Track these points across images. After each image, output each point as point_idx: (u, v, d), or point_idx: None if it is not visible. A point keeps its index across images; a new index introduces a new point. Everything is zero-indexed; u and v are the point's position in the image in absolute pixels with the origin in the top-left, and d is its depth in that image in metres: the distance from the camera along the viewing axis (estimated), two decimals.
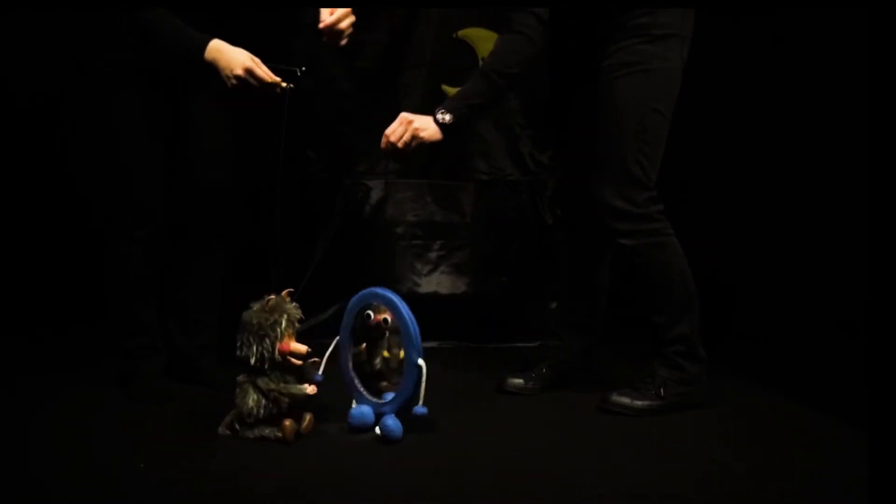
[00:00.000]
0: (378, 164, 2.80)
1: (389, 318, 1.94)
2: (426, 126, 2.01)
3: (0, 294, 2.87)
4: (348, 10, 2.01)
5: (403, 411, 1.85)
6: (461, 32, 2.74)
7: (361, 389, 1.94)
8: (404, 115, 2.02)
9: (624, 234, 2.04)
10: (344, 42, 2.04)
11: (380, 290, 1.92)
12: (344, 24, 2.01)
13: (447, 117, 2.00)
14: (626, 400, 2.04)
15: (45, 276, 2.96)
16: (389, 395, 1.93)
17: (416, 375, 1.83)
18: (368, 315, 1.95)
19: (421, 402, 1.82)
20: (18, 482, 1.58)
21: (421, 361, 1.83)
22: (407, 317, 1.86)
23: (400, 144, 2.00)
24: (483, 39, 2.74)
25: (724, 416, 2.05)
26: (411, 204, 2.81)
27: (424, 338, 2.74)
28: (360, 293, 1.96)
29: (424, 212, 2.82)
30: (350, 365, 1.97)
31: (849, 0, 2.42)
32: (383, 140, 2.02)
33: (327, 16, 2.00)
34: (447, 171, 2.83)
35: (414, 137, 2.00)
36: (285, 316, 1.80)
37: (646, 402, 2.04)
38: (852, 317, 2.47)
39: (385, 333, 1.97)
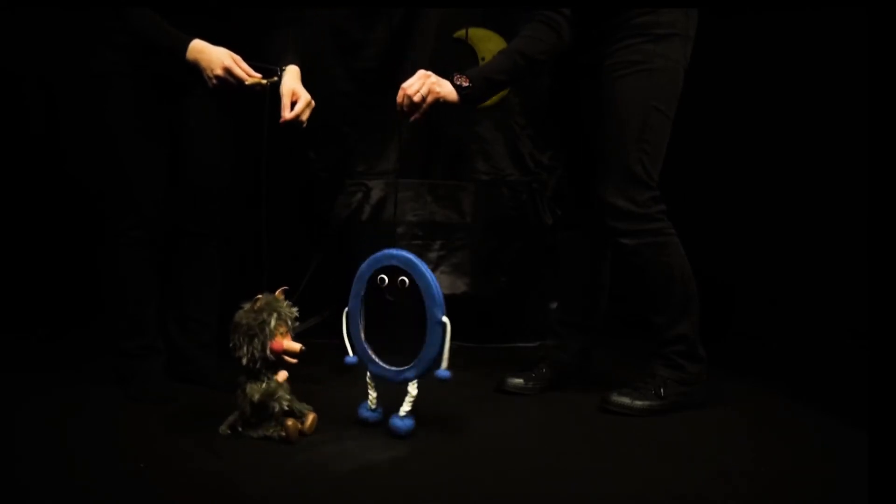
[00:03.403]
0: (378, 163, 2.81)
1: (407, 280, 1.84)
2: (444, 84, 1.97)
3: (0, 294, 2.87)
4: (308, 100, 2.02)
5: (427, 373, 1.80)
6: (461, 32, 2.74)
7: (376, 359, 1.90)
8: (423, 71, 1.99)
9: (625, 233, 2.03)
10: (305, 125, 2.06)
11: (395, 251, 1.86)
12: (304, 117, 2.03)
13: (464, 82, 1.97)
14: (626, 400, 2.04)
15: (45, 276, 2.96)
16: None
17: (441, 334, 1.75)
18: (383, 279, 1.88)
19: (445, 364, 1.75)
20: (18, 482, 1.58)
21: (445, 319, 1.74)
22: (427, 275, 1.80)
23: (416, 98, 1.94)
24: (483, 39, 2.73)
25: (723, 417, 2.06)
26: (411, 204, 2.81)
27: None
28: (373, 256, 1.90)
29: (424, 212, 2.81)
30: (363, 335, 1.92)
31: (849, 0, 2.43)
32: (400, 93, 1.96)
33: (287, 111, 1.99)
34: (447, 171, 2.83)
35: (430, 92, 1.95)
36: (275, 315, 1.80)
37: (646, 403, 2.04)
38: (852, 317, 2.48)
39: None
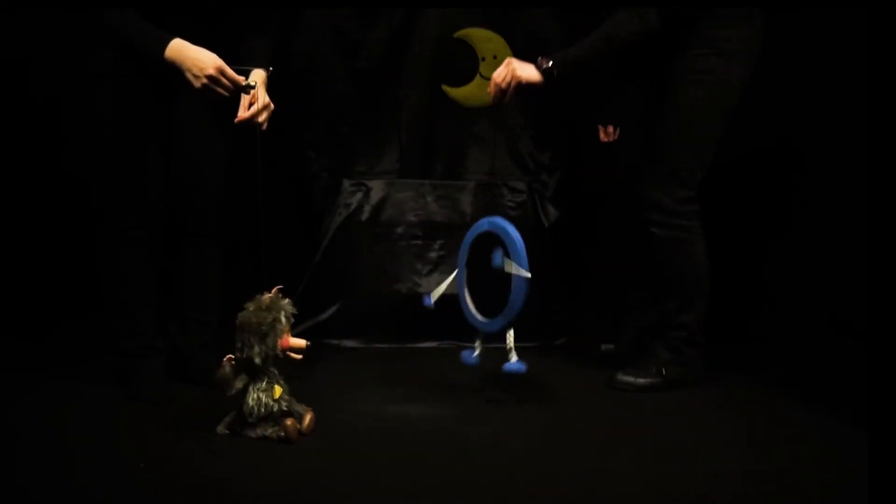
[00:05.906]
0: (378, 163, 2.81)
1: None
2: (525, 68, 2.12)
3: (0, 294, 2.87)
4: (265, 103, 2.02)
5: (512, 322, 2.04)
6: (461, 32, 2.74)
7: (474, 311, 2.15)
8: (509, 59, 2.15)
9: (656, 223, 2.19)
10: (264, 127, 2.04)
11: (495, 219, 2.10)
12: (261, 118, 2.02)
13: (546, 63, 2.11)
14: (629, 378, 2.22)
15: (45, 276, 2.96)
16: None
17: (524, 287, 1.97)
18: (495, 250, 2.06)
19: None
20: (17, 482, 1.58)
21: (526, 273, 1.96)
22: (514, 236, 2.01)
23: (503, 85, 2.12)
24: (483, 39, 2.73)
25: (723, 417, 2.06)
26: (411, 204, 2.81)
27: (425, 338, 2.77)
28: (473, 230, 2.16)
29: (424, 212, 2.81)
30: (466, 290, 2.18)
31: (849, 0, 2.43)
32: (491, 84, 2.14)
33: (244, 110, 2.01)
34: (447, 171, 2.83)
35: (512, 77, 2.10)
36: (282, 312, 1.81)
37: (647, 380, 2.22)
38: (853, 317, 2.47)
39: None
